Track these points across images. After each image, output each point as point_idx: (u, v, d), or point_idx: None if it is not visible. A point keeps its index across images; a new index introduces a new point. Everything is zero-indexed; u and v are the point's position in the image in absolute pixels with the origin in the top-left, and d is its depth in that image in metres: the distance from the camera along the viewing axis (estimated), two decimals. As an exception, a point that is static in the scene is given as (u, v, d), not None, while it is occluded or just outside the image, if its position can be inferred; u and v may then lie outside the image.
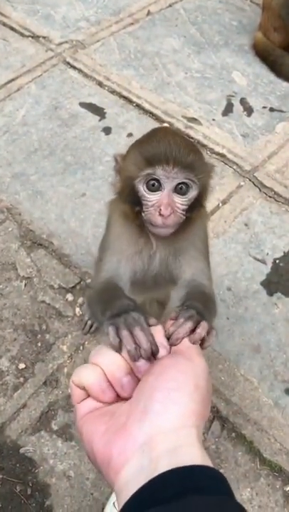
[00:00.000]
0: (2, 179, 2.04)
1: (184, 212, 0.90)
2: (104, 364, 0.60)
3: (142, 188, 0.89)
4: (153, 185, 0.88)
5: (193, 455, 0.51)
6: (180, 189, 0.88)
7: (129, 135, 2.22)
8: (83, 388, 0.60)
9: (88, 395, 0.60)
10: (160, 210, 0.87)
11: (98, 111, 2.32)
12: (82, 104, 2.34)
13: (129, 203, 0.93)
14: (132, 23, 2.76)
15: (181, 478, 0.48)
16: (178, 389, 0.55)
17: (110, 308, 0.78)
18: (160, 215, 0.87)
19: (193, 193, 0.89)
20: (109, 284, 0.98)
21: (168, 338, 0.66)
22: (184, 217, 0.91)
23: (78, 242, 1.87)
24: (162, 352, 0.62)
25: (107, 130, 2.24)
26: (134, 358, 0.61)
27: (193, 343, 0.65)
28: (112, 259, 1.02)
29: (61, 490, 1.39)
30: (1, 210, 1.95)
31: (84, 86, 2.42)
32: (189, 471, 0.48)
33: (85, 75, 2.46)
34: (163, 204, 0.87)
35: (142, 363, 0.60)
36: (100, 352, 0.62)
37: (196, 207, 0.92)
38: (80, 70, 2.48)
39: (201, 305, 0.82)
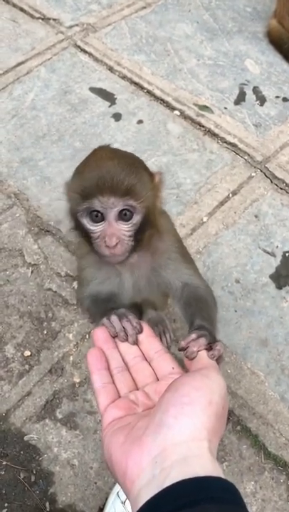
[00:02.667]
0: (10, 164, 2.01)
1: (132, 238, 0.89)
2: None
3: (85, 221, 0.88)
4: (96, 215, 0.87)
5: (204, 466, 0.52)
6: (124, 215, 0.87)
7: (139, 122, 2.19)
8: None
9: (112, 400, 0.68)
10: (105, 241, 0.86)
11: (108, 96, 2.28)
12: (92, 89, 2.30)
13: (80, 235, 0.93)
14: (144, 7, 2.71)
15: (192, 488, 0.49)
16: (191, 403, 0.57)
17: (107, 312, 0.86)
18: (106, 246, 0.87)
19: (137, 218, 0.88)
20: (97, 302, 1.02)
21: (184, 353, 0.73)
22: (133, 243, 0.89)
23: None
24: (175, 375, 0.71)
25: (117, 116, 2.21)
26: (121, 339, 0.78)
27: (213, 358, 0.71)
28: (86, 290, 1.05)
29: (65, 478, 1.39)
30: (8, 195, 1.92)
31: (94, 71, 2.38)
32: (200, 482, 0.50)
33: (96, 60, 2.42)
34: (107, 235, 0.86)
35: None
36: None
37: (146, 228, 0.90)
38: (90, 54, 2.44)
39: (207, 321, 0.89)
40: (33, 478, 1.39)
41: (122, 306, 0.88)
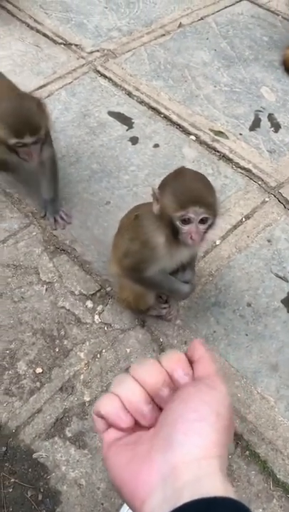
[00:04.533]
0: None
1: (204, 233, 1.30)
2: (124, 393, 0.60)
3: (177, 223, 1.27)
4: (185, 220, 1.26)
5: (215, 486, 0.51)
6: (203, 221, 1.27)
7: (156, 146, 2.24)
8: (102, 417, 0.60)
9: (110, 425, 0.61)
10: (191, 236, 1.27)
11: (126, 120, 2.33)
12: (111, 113, 2.36)
13: (168, 227, 1.31)
14: (163, 35, 2.79)
15: (205, 509, 0.48)
16: (200, 419, 0.55)
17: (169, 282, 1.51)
18: (191, 239, 1.28)
19: (210, 222, 1.29)
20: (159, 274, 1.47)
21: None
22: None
23: (100, 250, 1.88)
24: (186, 379, 0.62)
25: (134, 140, 2.26)
26: None
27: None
28: (154, 266, 1.44)
29: (72, 498, 1.39)
30: (26, 214, 1.97)
31: (113, 95, 2.44)
32: (213, 502, 0.49)
33: (115, 84, 2.49)
34: (193, 233, 1.27)
35: (165, 392, 0.60)
36: (119, 382, 0.62)
37: (211, 226, 1.33)
38: (110, 79, 2.51)
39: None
40: (40, 497, 1.39)
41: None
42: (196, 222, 1.26)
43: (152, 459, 0.54)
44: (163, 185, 1.32)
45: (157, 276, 1.48)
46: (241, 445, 1.49)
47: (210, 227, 1.31)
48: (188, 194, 1.24)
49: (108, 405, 0.60)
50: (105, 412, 0.60)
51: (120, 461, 0.57)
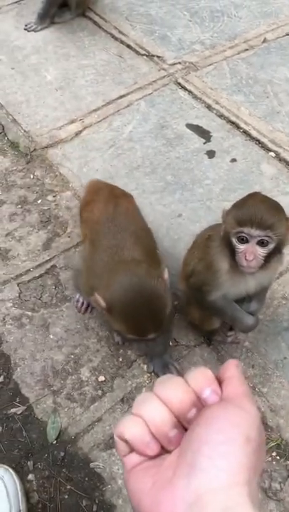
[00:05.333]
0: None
1: (264, 258, 1.23)
2: (148, 416, 0.55)
3: (234, 240, 1.24)
4: (242, 239, 1.22)
5: None
6: (261, 243, 1.21)
7: (233, 160, 2.19)
8: (126, 441, 0.55)
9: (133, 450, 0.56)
10: (245, 256, 1.22)
11: (204, 133, 2.31)
12: (189, 126, 2.35)
13: (226, 249, 1.29)
14: (246, 49, 2.75)
15: None
16: (227, 442, 0.50)
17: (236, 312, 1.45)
18: (245, 259, 1.22)
19: (271, 246, 1.22)
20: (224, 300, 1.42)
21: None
22: (264, 262, 1.24)
23: (169, 263, 1.84)
24: (215, 399, 0.56)
25: (210, 153, 2.23)
26: None
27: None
28: (216, 292, 1.40)
29: (126, 514, 1.36)
30: (99, 221, 1.98)
31: (192, 108, 2.43)
32: None
33: (195, 97, 2.47)
34: (247, 253, 1.22)
35: (193, 413, 0.54)
36: (144, 402, 0.57)
37: (275, 254, 1.25)
38: (190, 92, 2.50)
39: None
40: (94, 508, 1.37)
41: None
42: (252, 243, 1.21)
43: (175, 485, 0.50)
44: (232, 206, 1.30)
45: (220, 302, 1.41)
46: (306, 481, 1.40)
47: (273, 253, 1.24)
48: (249, 212, 1.20)
49: (133, 429, 0.55)
50: (130, 437, 0.55)
51: (142, 487, 0.53)
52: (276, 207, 1.26)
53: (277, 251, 1.26)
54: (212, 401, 0.56)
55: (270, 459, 1.43)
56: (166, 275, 1.33)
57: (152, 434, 0.54)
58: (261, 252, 1.22)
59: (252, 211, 1.20)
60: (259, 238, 1.20)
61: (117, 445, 0.57)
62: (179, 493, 0.49)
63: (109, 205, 1.60)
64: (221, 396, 0.57)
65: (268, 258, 1.24)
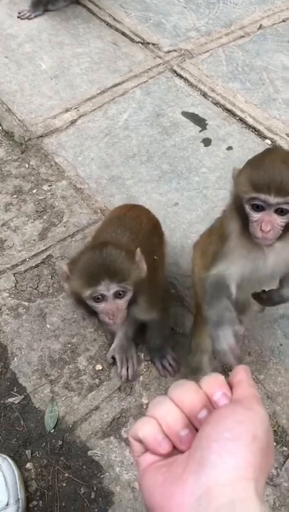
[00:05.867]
0: (99, 180, 2.07)
1: (283, 228, 1.04)
2: (161, 416, 0.58)
3: (247, 207, 1.05)
4: (257, 206, 1.03)
5: (251, 511, 0.49)
6: (280, 211, 1.02)
7: (229, 148, 2.18)
8: (139, 441, 0.58)
9: (146, 449, 0.59)
10: (261, 226, 1.03)
11: (200, 121, 2.30)
12: (185, 114, 2.33)
13: (238, 216, 1.09)
14: (242, 36, 2.72)
15: None
16: (234, 439, 0.53)
17: (213, 308, 1.08)
18: (261, 230, 1.03)
19: None
20: (218, 283, 1.15)
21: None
22: (282, 232, 1.05)
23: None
24: (225, 401, 0.59)
25: (206, 141, 2.22)
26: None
27: None
28: (223, 267, 1.17)
29: (124, 500, 1.37)
30: (95, 210, 1.97)
31: (188, 95, 2.41)
32: None
33: (190, 85, 2.46)
34: (263, 222, 1.03)
35: (204, 414, 0.57)
36: (157, 404, 0.60)
37: None
38: (185, 79, 2.48)
39: None
40: (93, 495, 1.38)
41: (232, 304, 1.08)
42: (268, 211, 1.02)
43: (185, 480, 0.52)
44: (246, 164, 1.11)
45: (210, 281, 1.16)
46: (303, 467, 1.41)
47: None
48: (267, 175, 1.00)
49: (146, 428, 0.58)
50: (143, 436, 0.57)
51: (153, 483, 0.55)
52: None
53: None
54: (222, 403, 0.59)
55: (267, 445, 1.44)
56: (138, 257, 1.21)
57: (164, 433, 0.57)
58: (280, 221, 1.03)
59: (270, 173, 1.00)
60: (278, 206, 1.02)
61: (132, 446, 0.60)
62: (188, 487, 0.51)
63: (124, 209, 1.63)
64: (231, 399, 0.60)
65: (287, 227, 1.05)
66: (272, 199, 1.00)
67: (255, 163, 1.07)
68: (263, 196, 1.00)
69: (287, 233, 1.06)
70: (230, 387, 0.63)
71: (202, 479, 0.51)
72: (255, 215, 1.04)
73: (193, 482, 0.51)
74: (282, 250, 1.12)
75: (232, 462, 0.52)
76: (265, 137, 2.22)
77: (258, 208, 1.03)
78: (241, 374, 0.64)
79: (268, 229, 1.02)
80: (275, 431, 1.46)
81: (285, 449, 1.44)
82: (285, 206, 1.01)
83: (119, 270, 1.13)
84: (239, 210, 1.08)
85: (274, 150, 1.12)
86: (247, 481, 0.51)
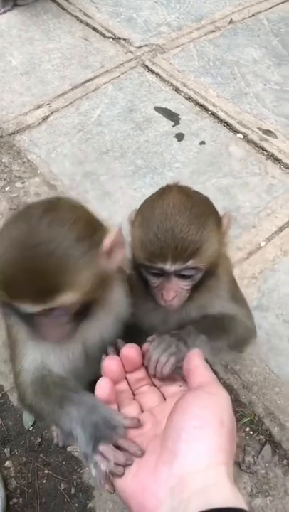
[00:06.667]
0: (73, 176, 2.07)
1: (189, 290, 0.89)
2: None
3: (144, 272, 0.89)
4: (155, 273, 0.88)
5: (224, 495, 0.50)
6: (182, 276, 0.87)
7: (202, 143, 2.20)
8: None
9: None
10: (162, 294, 0.88)
11: (172, 116, 2.31)
12: (157, 109, 2.34)
13: (139, 277, 0.93)
14: (213, 31, 2.74)
15: None
16: (202, 426, 0.54)
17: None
18: (163, 298, 0.88)
19: (197, 275, 0.88)
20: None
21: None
22: (190, 293, 0.90)
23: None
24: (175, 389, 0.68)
25: (179, 136, 2.23)
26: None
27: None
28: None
29: (104, 494, 1.38)
30: (69, 206, 1.97)
31: (160, 90, 2.41)
32: None
33: (162, 80, 2.46)
34: (164, 290, 0.87)
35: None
36: None
37: (205, 279, 0.90)
38: (157, 74, 2.49)
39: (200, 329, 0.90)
40: (73, 490, 1.39)
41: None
42: (169, 277, 0.87)
43: (158, 471, 0.54)
44: (138, 212, 0.93)
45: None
46: (279, 453, 1.44)
47: (203, 278, 0.90)
48: (160, 240, 0.83)
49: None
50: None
51: (127, 474, 0.57)
52: (199, 214, 0.86)
53: (207, 276, 0.91)
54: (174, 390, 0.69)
55: (243, 434, 1.47)
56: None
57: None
58: (184, 285, 0.89)
59: (164, 237, 0.83)
60: (178, 272, 0.87)
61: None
62: (162, 478, 0.53)
63: None
64: (191, 386, 0.63)
65: (196, 287, 0.90)
66: (170, 267, 0.85)
67: (148, 219, 0.87)
68: (159, 265, 0.85)
69: (195, 290, 0.91)
70: (187, 373, 0.65)
71: (175, 470, 0.53)
72: (154, 281, 0.89)
73: (167, 472, 0.53)
74: (186, 304, 0.95)
75: (203, 449, 0.53)
76: (237, 131, 2.24)
77: (157, 274, 0.88)
78: (196, 359, 0.66)
79: (170, 297, 0.88)
80: (251, 420, 1.48)
81: (261, 437, 1.47)
82: (185, 272, 0.87)
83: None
84: (138, 271, 0.92)
85: (168, 195, 0.89)
86: (219, 466, 0.52)
